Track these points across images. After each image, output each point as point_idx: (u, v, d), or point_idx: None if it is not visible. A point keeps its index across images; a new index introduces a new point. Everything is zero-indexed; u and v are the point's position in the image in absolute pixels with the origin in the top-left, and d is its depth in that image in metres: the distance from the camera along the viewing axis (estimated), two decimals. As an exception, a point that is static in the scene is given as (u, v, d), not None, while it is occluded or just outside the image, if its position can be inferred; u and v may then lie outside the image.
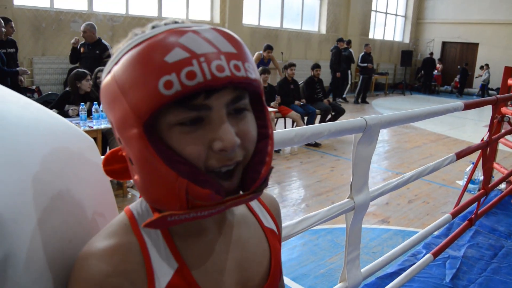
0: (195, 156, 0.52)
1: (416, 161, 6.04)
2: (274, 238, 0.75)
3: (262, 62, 7.79)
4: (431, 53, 16.64)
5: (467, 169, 4.98)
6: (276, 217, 0.79)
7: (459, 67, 17.20)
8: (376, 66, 16.48)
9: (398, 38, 19.06)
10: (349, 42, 11.95)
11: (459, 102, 2.28)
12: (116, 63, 0.53)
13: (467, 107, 2.32)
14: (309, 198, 4.34)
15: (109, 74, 0.54)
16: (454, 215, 2.57)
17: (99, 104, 3.97)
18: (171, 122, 0.52)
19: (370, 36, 16.67)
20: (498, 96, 2.94)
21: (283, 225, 1.21)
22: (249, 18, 11.98)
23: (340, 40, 11.57)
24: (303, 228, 1.31)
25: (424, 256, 2.62)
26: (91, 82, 4.32)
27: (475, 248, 3.38)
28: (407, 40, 19.19)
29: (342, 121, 1.45)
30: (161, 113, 0.51)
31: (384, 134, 7.93)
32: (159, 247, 0.60)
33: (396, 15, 18.66)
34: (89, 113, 4.06)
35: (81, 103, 3.97)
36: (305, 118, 6.87)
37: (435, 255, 2.52)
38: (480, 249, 3.38)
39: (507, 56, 16.63)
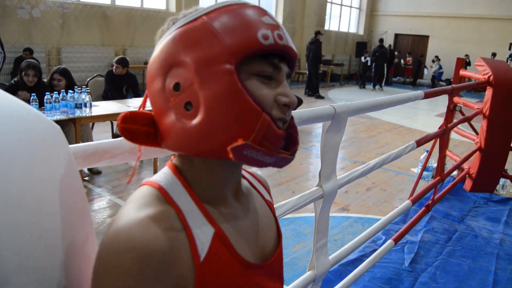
0: (269, 101, 0.59)
1: (372, 150, 6.19)
2: (274, 211, 0.82)
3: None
4: (381, 40, 16.50)
5: (421, 157, 5.15)
6: (270, 193, 0.86)
7: (406, 57, 17.75)
8: (332, 57, 16.74)
9: (353, 29, 19.42)
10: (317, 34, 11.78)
11: (420, 92, 2.33)
12: (198, 18, 0.59)
13: (427, 96, 2.38)
14: (270, 187, 4.33)
15: (196, 22, 0.59)
16: (414, 201, 2.64)
17: (55, 93, 3.75)
18: (252, 71, 0.58)
19: (326, 27, 16.88)
20: (454, 85, 3.03)
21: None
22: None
23: (318, 33, 11.48)
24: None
25: (384, 242, 2.69)
26: (35, 78, 4.03)
27: (431, 233, 3.51)
28: (361, 32, 19.60)
29: (312, 109, 1.43)
30: (245, 62, 0.57)
31: (341, 124, 8.07)
32: (194, 214, 0.61)
33: (351, 7, 18.98)
34: (41, 104, 3.84)
35: (32, 94, 3.75)
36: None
37: (396, 241, 2.59)
38: (435, 234, 3.51)
39: (456, 49, 17.34)
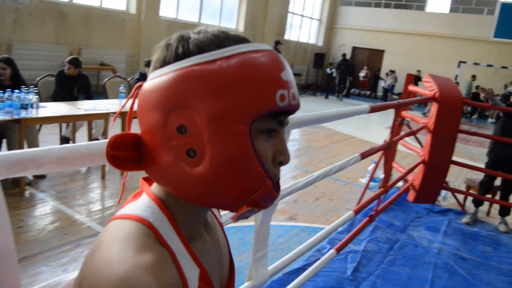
0: (269, 160, 0.58)
1: (323, 160, 6.33)
2: (224, 232, 0.81)
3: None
4: (344, 54, 17.24)
5: (369, 168, 5.32)
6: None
7: (363, 70, 18.29)
8: (290, 66, 17.00)
9: (312, 40, 19.80)
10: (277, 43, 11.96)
11: (366, 105, 2.41)
12: (216, 60, 0.55)
13: (373, 110, 2.47)
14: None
15: (213, 64, 0.55)
16: (357, 212, 2.73)
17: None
18: (260, 127, 0.56)
19: (286, 37, 17.12)
20: (400, 100, 3.16)
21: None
22: (166, 10, 11.72)
23: (278, 42, 11.65)
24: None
25: (328, 251, 2.76)
26: None
27: (374, 242, 3.63)
28: (320, 43, 20.02)
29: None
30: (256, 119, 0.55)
31: (294, 133, 8.19)
32: (183, 254, 0.59)
33: (311, 18, 19.37)
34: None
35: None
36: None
37: (338, 250, 2.66)
38: (378, 243, 3.63)
39: (410, 64, 18.04)
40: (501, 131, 4.29)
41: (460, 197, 4.90)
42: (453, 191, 4.75)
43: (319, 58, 17.15)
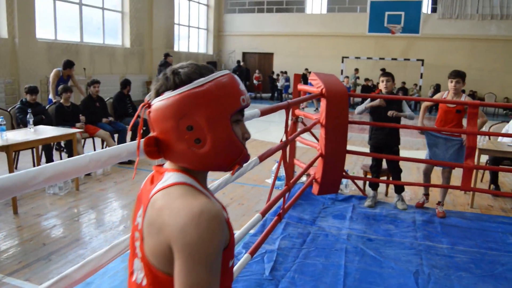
0: (240, 137, 0.97)
1: (229, 166, 6.36)
2: None
3: (62, 80, 7.19)
4: (239, 61, 17.80)
5: (273, 168, 5.45)
6: None
7: (255, 74, 18.84)
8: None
9: (202, 50, 19.89)
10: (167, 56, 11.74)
11: (256, 110, 2.46)
12: (204, 84, 0.91)
13: (263, 113, 2.52)
14: (127, 218, 4.16)
15: (202, 87, 0.90)
16: (264, 213, 2.77)
17: None
18: (233, 119, 0.94)
19: (176, 48, 17.00)
20: (289, 101, 3.28)
21: (99, 252, 1.12)
22: (43, 32, 10.99)
23: (167, 55, 11.45)
24: (114, 256, 1.23)
25: (243, 256, 2.76)
26: None
27: (287, 239, 3.72)
28: (211, 52, 20.20)
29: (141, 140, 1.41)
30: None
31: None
32: (210, 197, 0.94)
33: (198, 28, 19.44)
34: None
35: None
36: (116, 135, 6.60)
37: (252, 253, 2.67)
38: (291, 239, 3.73)
39: (299, 64, 18.92)
40: (374, 119, 4.67)
41: (360, 182, 5.23)
42: (352, 178, 5.05)
43: (212, 66, 17.27)
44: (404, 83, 16.95)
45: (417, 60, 16.63)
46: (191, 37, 18.86)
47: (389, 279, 3.10)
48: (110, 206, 4.56)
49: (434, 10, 18.15)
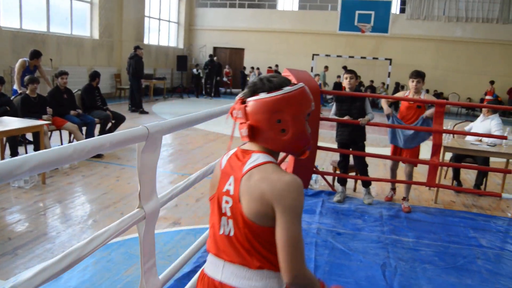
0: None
1: (199, 161, 6.35)
2: None
3: (28, 70, 6.98)
4: (211, 55, 17.68)
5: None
6: None
7: (226, 69, 18.79)
8: (154, 71, 16.68)
9: (173, 43, 19.66)
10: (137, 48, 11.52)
11: (228, 106, 2.47)
12: (292, 91, 1.26)
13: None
14: (96, 212, 4.10)
15: (291, 93, 1.25)
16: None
17: None
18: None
19: (146, 41, 16.74)
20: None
21: (72, 248, 1.12)
22: (8, 20, 10.61)
23: (137, 47, 11.26)
24: (95, 247, 1.23)
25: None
26: None
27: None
28: (181, 46, 19.99)
29: (123, 131, 1.41)
30: None
31: (166, 138, 8.08)
32: None
33: (169, 21, 19.20)
34: None
35: None
36: (84, 128, 6.47)
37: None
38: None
39: (270, 60, 19.01)
40: (339, 116, 4.77)
41: (329, 178, 5.32)
42: (322, 173, 5.13)
43: (182, 60, 17.11)
44: (372, 81, 17.29)
45: (385, 59, 16.97)
46: (162, 30, 18.61)
47: (358, 272, 3.19)
48: (78, 200, 4.47)
49: (402, 10, 18.56)
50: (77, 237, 3.52)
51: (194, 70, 17.31)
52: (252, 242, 1.21)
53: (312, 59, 17.24)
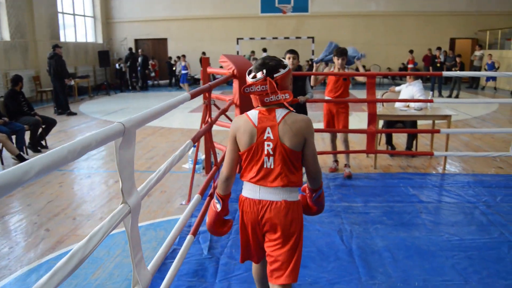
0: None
1: (141, 156, 6.26)
2: None
3: None
4: (130, 48, 17.26)
5: (190, 153, 5.49)
6: None
7: (150, 61, 18.42)
8: (75, 69, 15.93)
9: (91, 39, 18.83)
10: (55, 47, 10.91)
11: (187, 94, 2.52)
12: (283, 68, 1.90)
13: (193, 96, 2.59)
14: (46, 221, 3.94)
15: (285, 69, 1.91)
16: (202, 193, 2.85)
17: None
18: None
19: (62, 39, 15.91)
20: (211, 83, 3.36)
21: (74, 249, 1.15)
22: None
23: (56, 46, 10.65)
24: (95, 245, 1.25)
25: (185, 239, 2.83)
26: None
27: (217, 219, 3.82)
28: (100, 40, 19.19)
29: (102, 129, 1.42)
30: None
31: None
32: None
33: (84, 16, 18.33)
34: None
35: None
36: (13, 137, 6.12)
37: (194, 234, 2.75)
38: (221, 218, 3.84)
39: (194, 48, 18.82)
40: None
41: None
42: (268, 154, 5.27)
43: (104, 56, 16.49)
44: (309, 61, 17.72)
45: (308, 37, 17.45)
46: (78, 26, 17.73)
47: (318, 240, 3.38)
48: (24, 212, 4.26)
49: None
50: (34, 249, 3.39)
51: (117, 65, 16.85)
52: (288, 164, 1.87)
53: (237, 43, 17.31)
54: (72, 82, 12.58)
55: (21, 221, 4.00)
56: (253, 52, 17.43)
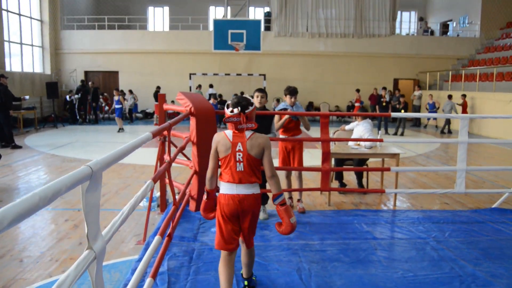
0: None
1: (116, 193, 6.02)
2: None
3: None
4: (83, 80, 17.00)
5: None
6: None
7: (101, 95, 18.11)
8: (18, 100, 15.30)
9: (38, 69, 18.28)
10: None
11: (148, 133, 2.49)
12: (251, 106, 2.81)
13: (154, 135, 2.57)
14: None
15: (252, 107, 2.83)
16: (162, 234, 2.78)
17: None
18: None
19: (7, 68, 15.33)
20: (171, 121, 3.35)
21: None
22: None
23: (2, 76, 10.23)
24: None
25: (145, 281, 2.73)
26: None
27: (174, 259, 3.73)
28: (48, 71, 18.66)
29: (70, 174, 1.38)
30: None
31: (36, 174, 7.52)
32: None
33: (32, 45, 17.82)
34: None
35: None
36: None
37: (153, 276, 2.67)
38: (178, 258, 3.75)
39: (145, 82, 18.72)
40: None
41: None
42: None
43: (52, 87, 15.96)
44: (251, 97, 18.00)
45: (260, 74, 17.84)
46: (25, 55, 17.18)
47: (277, 280, 3.37)
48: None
49: (268, 28, 19.71)
50: (-26, 294, 3.14)
51: (67, 97, 16.53)
52: (253, 168, 2.75)
53: (190, 78, 17.40)
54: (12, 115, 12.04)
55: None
56: (199, 86, 17.50)
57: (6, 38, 15.51)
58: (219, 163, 2.83)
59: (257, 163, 2.77)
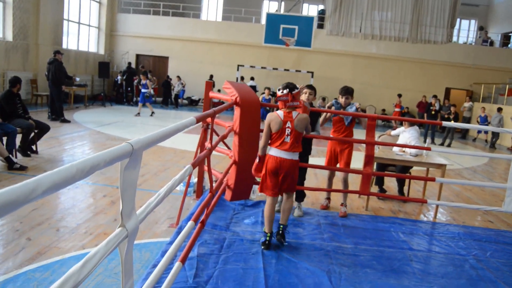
0: None
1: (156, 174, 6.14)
2: None
3: None
4: (129, 63, 17.38)
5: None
6: None
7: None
8: (73, 76, 15.88)
9: (93, 49, 18.88)
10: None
11: (192, 118, 2.48)
12: (296, 89, 3.83)
13: (198, 120, 2.55)
14: (28, 230, 3.81)
15: (297, 89, 3.82)
16: (195, 220, 2.78)
17: None
18: None
19: (64, 45, 15.92)
20: (215, 109, 3.34)
21: (67, 274, 1.10)
22: None
23: (58, 52, 10.63)
24: (90, 270, 1.19)
25: (174, 264, 2.74)
26: None
27: (204, 246, 3.74)
28: (102, 52, 19.24)
29: (111, 149, 1.37)
30: None
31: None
32: None
33: (89, 26, 18.42)
34: None
35: None
36: (4, 138, 6.01)
37: (183, 261, 2.67)
38: (208, 246, 3.76)
39: (193, 69, 18.93)
40: None
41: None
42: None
43: (104, 67, 16.47)
44: (324, 98, 17.85)
45: (308, 72, 17.66)
46: (81, 35, 17.79)
47: (306, 279, 3.30)
48: (4, 217, 4.14)
49: (320, 26, 19.45)
50: (13, 258, 3.26)
51: (118, 78, 17.09)
52: (297, 140, 3.72)
53: (237, 69, 17.46)
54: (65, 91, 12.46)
55: (2, 226, 3.87)
56: (242, 78, 17.52)
57: (66, 17, 16.08)
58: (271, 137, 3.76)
59: (299, 136, 3.76)
